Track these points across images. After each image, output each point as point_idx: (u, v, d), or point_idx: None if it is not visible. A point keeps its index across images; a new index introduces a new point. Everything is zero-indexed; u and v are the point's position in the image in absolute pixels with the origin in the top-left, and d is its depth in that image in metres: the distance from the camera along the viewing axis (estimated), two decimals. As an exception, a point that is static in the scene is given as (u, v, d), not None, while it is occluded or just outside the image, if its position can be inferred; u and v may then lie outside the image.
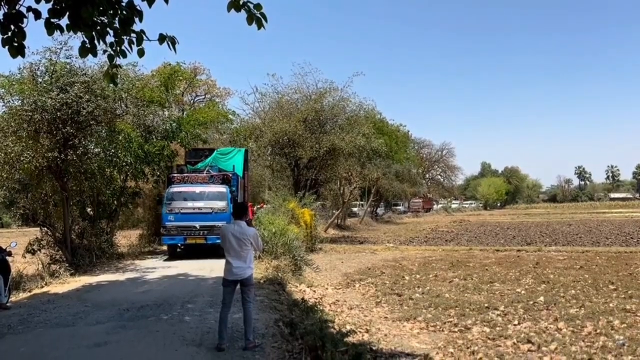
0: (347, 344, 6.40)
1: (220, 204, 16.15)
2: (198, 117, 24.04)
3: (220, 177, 17.04)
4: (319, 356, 5.55)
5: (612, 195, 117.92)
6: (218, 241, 13.77)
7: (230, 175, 17.60)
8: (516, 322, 9.07)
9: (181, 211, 15.92)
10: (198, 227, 15.82)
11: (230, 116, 30.69)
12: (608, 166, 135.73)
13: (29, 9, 4.56)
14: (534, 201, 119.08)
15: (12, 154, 12.79)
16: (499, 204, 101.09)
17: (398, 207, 70.62)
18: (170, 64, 23.37)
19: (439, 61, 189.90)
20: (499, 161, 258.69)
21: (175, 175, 17.13)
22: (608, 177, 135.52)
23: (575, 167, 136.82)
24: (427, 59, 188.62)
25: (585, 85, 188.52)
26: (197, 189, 16.46)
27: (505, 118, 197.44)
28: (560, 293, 11.46)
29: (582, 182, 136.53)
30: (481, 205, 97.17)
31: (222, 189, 16.49)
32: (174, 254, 16.68)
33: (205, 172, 17.48)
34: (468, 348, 7.62)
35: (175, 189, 16.36)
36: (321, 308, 9.10)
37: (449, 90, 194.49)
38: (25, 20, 4.57)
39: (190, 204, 16.09)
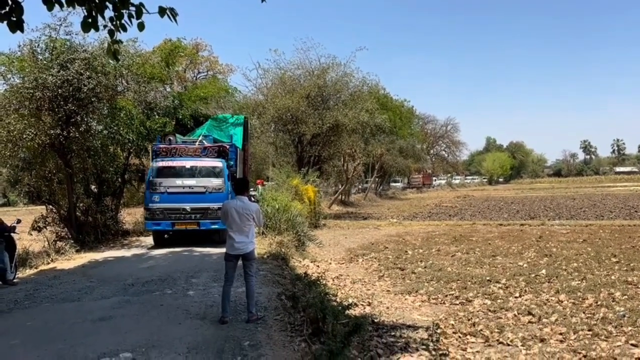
0: (349, 316, 6.47)
1: (216, 182, 13.61)
2: (199, 93, 23.83)
3: (216, 149, 14.34)
4: (320, 328, 5.62)
5: (618, 169, 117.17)
6: (214, 227, 13.14)
7: (228, 147, 14.85)
8: (517, 295, 9.15)
9: (168, 190, 13.34)
10: (189, 210, 13.29)
11: (230, 91, 30.47)
12: (614, 140, 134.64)
13: (27, -17, 4.49)
14: (539, 176, 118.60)
15: (15, 132, 12.78)
16: (501, 179, 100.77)
17: (396, 184, 67.74)
18: (170, 40, 23.14)
19: (443, 36, 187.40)
20: (503, 136, 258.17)
21: (161, 146, 14.23)
22: (614, 151, 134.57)
23: (581, 141, 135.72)
24: (431, 33, 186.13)
25: (592, 59, 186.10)
26: (188, 163, 13.78)
27: (510, 93, 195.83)
28: (562, 266, 11.51)
29: (588, 156, 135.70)
30: (485, 180, 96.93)
31: (218, 163, 13.85)
32: (160, 242, 14.00)
33: (197, 143, 14.77)
34: (469, 320, 7.70)
35: (161, 163, 13.69)
36: (324, 282, 9.16)
37: (454, 65, 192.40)
38: (22, -6, 4.51)
39: (179, 181, 13.48)
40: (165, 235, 14.31)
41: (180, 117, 18.35)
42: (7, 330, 6.35)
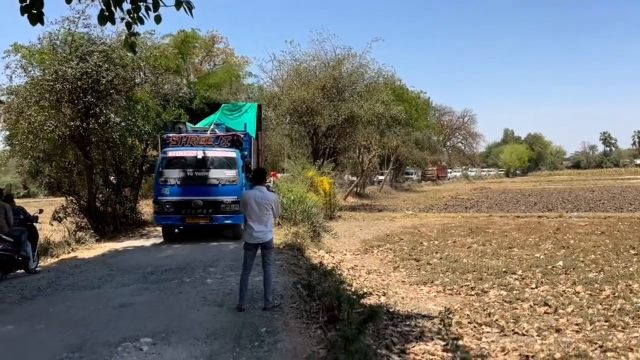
0: (364, 305, 6.53)
1: (229, 173, 12.74)
2: (210, 81, 23.87)
3: (229, 138, 13.32)
4: (335, 316, 5.68)
5: (638, 161, 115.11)
6: (227, 222, 12.60)
7: (242, 135, 13.86)
8: (534, 286, 9.13)
9: (178, 182, 12.58)
10: (200, 204, 12.41)
11: (246, 77, 30.53)
12: (635, 132, 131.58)
13: (46, -23, 4.59)
14: (557, 168, 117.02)
15: (36, 124, 13.03)
16: (518, 172, 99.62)
17: (410, 176, 64.19)
18: (183, 31, 23.22)
19: (461, 27, 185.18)
20: (521, 128, 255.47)
21: (171, 135, 13.34)
22: (634, 142, 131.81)
23: (601, 133, 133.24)
24: (448, 25, 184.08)
25: (613, 49, 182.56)
26: (199, 153, 12.78)
27: (528, 84, 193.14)
28: (579, 258, 11.43)
29: (607, 148, 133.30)
30: (501, 172, 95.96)
31: (232, 153, 12.94)
32: (170, 237, 13.37)
33: (209, 131, 13.87)
34: (484, 310, 7.72)
35: (171, 153, 12.86)
36: (339, 272, 9.23)
37: (471, 57, 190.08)
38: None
39: (189, 172, 12.65)
40: (176, 230, 13.73)
41: (194, 107, 18.34)
42: (32, 315, 6.53)
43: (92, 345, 5.13)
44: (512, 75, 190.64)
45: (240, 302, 6.42)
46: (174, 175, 12.66)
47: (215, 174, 12.72)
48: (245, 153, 13.83)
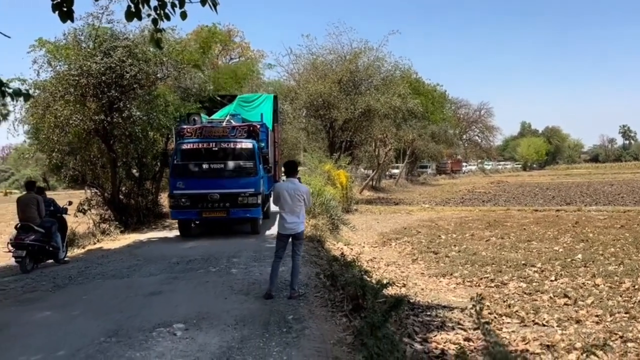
0: (386, 295, 6.68)
1: (247, 165, 12.36)
2: (229, 73, 24.07)
3: (246, 129, 12.80)
4: (359, 304, 5.85)
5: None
6: (246, 215, 12.21)
7: (259, 126, 13.39)
8: (553, 279, 9.21)
9: (194, 175, 12.22)
10: (217, 197, 11.89)
11: (258, 69, 30.66)
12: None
13: (75, -24, 4.77)
14: (575, 161, 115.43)
15: (62, 118, 13.36)
16: (535, 165, 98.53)
17: (425, 170, 62.03)
18: (206, 26, 23.44)
19: (478, 19, 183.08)
20: (539, 121, 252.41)
21: (186, 127, 12.87)
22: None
23: (620, 126, 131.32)
24: (465, 17, 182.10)
25: (631, 40, 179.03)
26: (215, 144, 12.41)
27: (546, 76, 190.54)
28: (599, 251, 11.45)
29: (627, 142, 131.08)
30: (517, 165, 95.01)
31: (249, 144, 12.48)
32: (186, 233, 12.87)
33: (224, 122, 13.33)
34: (504, 302, 7.84)
35: (185, 145, 12.41)
36: (359, 264, 9.40)
37: (488, 49, 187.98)
38: (72, -15, 4.80)
39: (205, 165, 12.27)
40: (192, 224, 13.26)
41: (214, 101, 18.41)
42: (66, 303, 6.81)
43: (128, 331, 5.37)
44: (529, 68, 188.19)
45: (270, 288, 6.65)
46: (189, 168, 12.32)
47: (232, 165, 12.38)
48: (262, 144, 13.45)
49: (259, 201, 12.30)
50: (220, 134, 12.66)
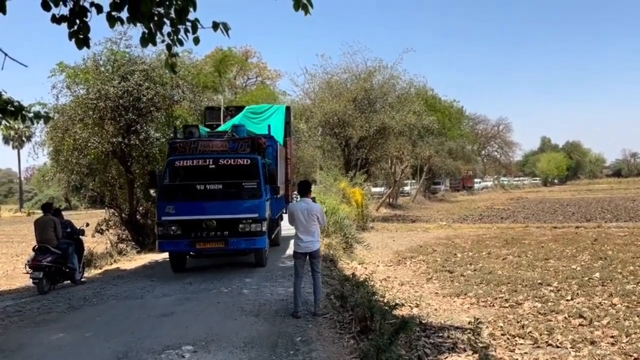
0: (396, 316, 6.65)
1: (249, 185, 10.20)
2: (248, 100, 24.47)
3: (248, 142, 10.70)
4: (367, 326, 5.84)
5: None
6: (250, 246, 10.13)
7: (264, 139, 11.62)
8: (569, 298, 9.06)
9: (186, 198, 10.19)
10: (214, 224, 9.78)
11: (280, 96, 31.13)
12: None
13: (92, 4, 4.96)
14: (597, 176, 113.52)
15: (80, 140, 13.70)
16: (556, 180, 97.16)
17: (438, 186, 60.21)
18: (222, 49, 24.01)
19: (495, 34, 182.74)
20: (559, 136, 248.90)
21: (178, 141, 10.87)
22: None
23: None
24: (482, 32, 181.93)
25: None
26: (212, 161, 10.31)
27: (566, 90, 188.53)
28: (617, 269, 11.23)
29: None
30: (536, 181, 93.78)
31: (252, 160, 10.38)
32: (179, 267, 10.68)
33: (226, 136, 11.25)
34: (518, 322, 7.73)
35: (178, 162, 10.36)
36: (372, 283, 9.37)
37: (506, 64, 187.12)
38: (88, 14, 4.99)
39: (200, 186, 10.21)
40: (187, 256, 11.03)
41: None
42: (80, 324, 6.92)
43: (137, 353, 5.43)
44: (549, 82, 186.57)
45: (296, 309, 6.73)
46: (180, 189, 10.41)
47: (231, 186, 10.32)
48: (269, 160, 11.74)
49: (264, 228, 10.10)
50: (218, 149, 10.58)
